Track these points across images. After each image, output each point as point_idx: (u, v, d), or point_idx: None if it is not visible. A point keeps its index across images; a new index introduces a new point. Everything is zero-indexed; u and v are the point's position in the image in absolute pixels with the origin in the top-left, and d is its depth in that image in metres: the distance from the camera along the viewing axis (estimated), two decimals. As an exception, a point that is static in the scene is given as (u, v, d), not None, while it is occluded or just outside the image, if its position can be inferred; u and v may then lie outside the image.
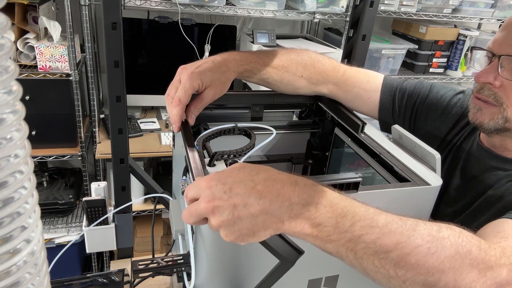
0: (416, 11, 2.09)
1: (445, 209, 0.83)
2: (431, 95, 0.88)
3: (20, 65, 1.65)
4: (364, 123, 0.81)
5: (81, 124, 1.81)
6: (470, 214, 0.78)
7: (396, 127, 0.79)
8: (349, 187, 0.60)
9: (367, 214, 0.49)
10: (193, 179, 0.60)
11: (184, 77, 0.70)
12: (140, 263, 0.66)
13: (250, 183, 0.48)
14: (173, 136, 0.89)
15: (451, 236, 0.49)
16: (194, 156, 0.63)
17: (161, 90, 2.34)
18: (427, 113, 0.88)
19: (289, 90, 0.86)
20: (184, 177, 0.68)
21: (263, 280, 0.56)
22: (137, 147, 1.84)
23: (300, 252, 0.51)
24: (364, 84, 0.90)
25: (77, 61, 1.73)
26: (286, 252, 0.51)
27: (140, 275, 0.66)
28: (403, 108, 0.90)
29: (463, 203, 0.80)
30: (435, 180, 0.67)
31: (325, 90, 0.89)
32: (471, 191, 0.79)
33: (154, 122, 2.07)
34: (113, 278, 0.87)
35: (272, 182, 0.48)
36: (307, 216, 0.47)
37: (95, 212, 0.93)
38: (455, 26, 2.33)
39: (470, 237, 0.50)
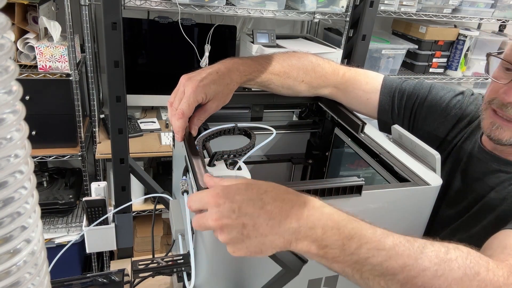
0: (416, 11, 2.09)
1: (446, 210, 0.83)
2: (430, 96, 0.88)
3: (20, 65, 1.65)
4: (364, 123, 0.81)
5: (81, 124, 1.81)
6: (472, 216, 0.78)
7: (396, 127, 0.79)
8: (352, 190, 0.60)
9: (374, 236, 0.49)
10: (195, 179, 0.60)
11: (189, 90, 0.69)
12: (140, 263, 0.66)
13: (259, 203, 0.48)
14: (173, 136, 0.89)
15: (459, 257, 0.49)
16: (198, 164, 0.63)
17: (161, 90, 2.35)
18: (426, 114, 0.88)
19: (289, 94, 0.86)
20: (184, 177, 0.68)
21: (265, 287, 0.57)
22: (137, 147, 1.84)
23: (304, 261, 0.52)
24: (364, 86, 0.90)
25: (77, 61, 1.73)
26: (291, 262, 0.52)
27: (140, 275, 0.66)
28: (402, 109, 0.90)
29: (465, 204, 0.80)
30: (435, 180, 0.67)
31: (325, 92, 0.90)
32: (473, 193, 0.79)
33: (154, 122, 2.07)
34: (113, 278, 0.87)
35: (281, 202, 0.49)
36: (314, 238, 0.48)
37: (95, 212, 0.93)
38: (455, 26, 2.33)
39: (478, 258, 0.50)
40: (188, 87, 0.69)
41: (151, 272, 0.67)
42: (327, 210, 0.50)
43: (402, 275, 0.48)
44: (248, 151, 0.69)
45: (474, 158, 0.81)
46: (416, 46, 2.26)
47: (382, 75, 0.93)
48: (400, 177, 0.69)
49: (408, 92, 0.90)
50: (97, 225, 0.93)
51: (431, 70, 2.36)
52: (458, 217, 0.80)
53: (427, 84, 0.90)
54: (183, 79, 0.71)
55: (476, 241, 0.60)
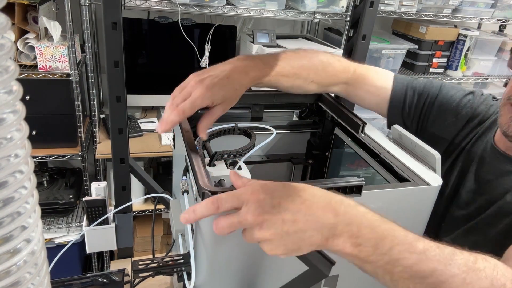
0: (416, 11, 2.09)
1: (456, 211, 0.82)
2: (440, 95, 0.87)
3: (20, 65, 1.65)
4: (364, 123, 0.81)
5: (81, 124, 1.81)
6: (487, 219, 0.77)
7: (396, 127, 0.79)
8: (352, 190, 0.60)
9: (406, 239, 0.50)
10: (195, 179, 0.60)
11: (196, 94, 0.66)
12: (140, 263, 0.66)
13: (298, 199, 0.49)
14: (173, 136, 0.89)
15: (487, 268, 0.50)
16: (198, 164, 0.63)
17: (161, 90, 2.34)
18: (437, 113, 0.87)
19: (298, 92, 0.85)
20: (184, 177, 0.68)
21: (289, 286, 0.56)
22: (137, 147, 1.84)
23: (332, 263, 0.52)
24: (375, 81, 0.90)
25: (77, 61, 1.73)
26: (323, 264, 0.52)
27: (140, 275, 0.66)
28: (413, 107, 0.89)
29: (476, 206, 0.79)
30: (435, 180, 0.67)
31: (335, 90, 0.89)
32: (485, 195, 0.78)
33: (154, 122, 2.07)
34: (113, 278, 0.87)
35: (318, 199, 0.50)
36: (350, 235, 0.49)
37: (95, 212, 0.93)
38: (455, 26, 2.33)
39: (504, 270, 0.51)
40: (196, 90, 0.67)
41: (151, 272, 0.67)
42: (361, 209, 0.51)
43: (431, 279, 0.48)
44: (248, 151, 0.69)
45: (486, 160, 0.80)
46: (416, 46, 2.26)
47: (391, 72, 0.92)
48: (400, 177, 0.69)
49: (419, 90, 0.89)
50: (97, 225, 0.93)
51: (431, 70, 2.36)
52: (470, 218, 0.79)
53: (437, 83, 0.89)
54: (193, 80, 0.69)
55: (493, 245, 0.60)
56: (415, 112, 0.89)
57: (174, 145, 0.90)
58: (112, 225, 0.98)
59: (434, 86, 0.89)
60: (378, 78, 0.90)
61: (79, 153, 1.84)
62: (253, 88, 0.81)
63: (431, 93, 0.88)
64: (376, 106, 0.92)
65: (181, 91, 0.69)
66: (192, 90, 0.68)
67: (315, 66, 0.84)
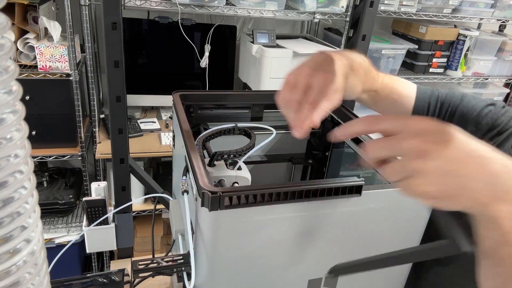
0: (416, 11, 2.09)
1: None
2: (461, 104, 0.86)
3: (20, 65, 1.65)
4: (364, 123, 0.81)
5: (81, 124, 1.81)
6: None
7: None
8: (352, 190, 0.60)
9: None
10: (195, 179, 0.60)
11: (335, 98, 0.58)
12: (140, 263, 0.66)
13: (476, 145, 0.43)
14: (173, 136, 0.89)
15: None
16: (198, 164, 0.63)
17: (161, 90, 2.35)
18: (457, 122, 0.85)
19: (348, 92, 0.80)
20: (184, 177, 0.68)
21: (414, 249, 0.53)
22: (137, 147, 1.85)
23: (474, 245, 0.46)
24: (400, 89, 0.89)
25: (77, 61, 1.73)
26: (462, 241, 0.45)
27: (140, 275, 0.66)
28: (435, 116, 0.88)
29: None
30: (435, 180, 0.67)
31: (365, 96, 0.88)
32: None
33: (154, 122, 2.07)
34: (113, 278, 0.87)
35: (501, 160, 0.43)
36: None
37: (95, 212, 0.93)
38: (455, 26, 2.33)
39: None
40: (335, 94, 0.59)
41: (151, 272, 0.67)
42: None
43: None
44: (248, 151, 0.69)
45: None
46: (416, 46, 2.26)
47: (414, 83, 0.92)
48: (400, 177, 0.69)
49: (441, 100, 0.89)
50: (97, 225, 0.93)
51: (431, 70, 2.36)
52: None
53: (459, 93, 0.89)
54: (338, 76, 0.60)
55: None
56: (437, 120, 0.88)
57: (174, 145, 0.90)
58: (112, 225, 0.98)
59: (455, 96, 0.88)
60: (403, 87, 0.90)
61: (79, 153, 1.84)
62: (253, 88, 0.81)
63: (453, 102, 0.87)
64: (399, 114, 0.91)
65: (315, 77, 0.61)
66: (329, 85, 0.60)
67: (366, 68, 0.80)
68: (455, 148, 0.42)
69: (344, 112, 0.87)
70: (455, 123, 0.86)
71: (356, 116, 0.84)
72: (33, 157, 1.76)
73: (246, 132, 0.75)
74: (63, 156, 1.83)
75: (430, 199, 0.44)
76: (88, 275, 0.86)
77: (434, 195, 0.43)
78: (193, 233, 0.64)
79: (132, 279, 0.75)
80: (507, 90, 2.60)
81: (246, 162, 0.73)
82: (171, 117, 2.14)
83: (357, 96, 0.81)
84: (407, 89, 0.90)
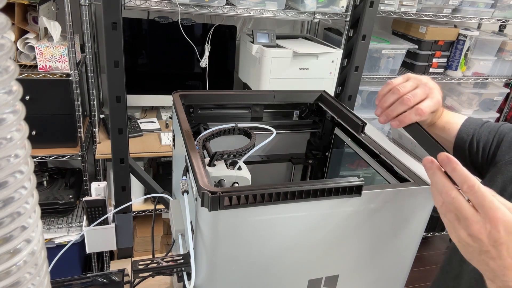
0: (416, 11, 2.09)
1: None
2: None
3: (20, 65, 1.65)
4: (364, 123, 0.81)
5: (81, 124, 1.81)
6: None
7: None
8: (352, 190, 0.60)
9: None
10: (195, 179, 0.60)
11: (433, 100, 0.72)
12: (140, 263, 0.66)
13: None
14: (173, 136, 0.89)
15: None
16: (198, 164, 0.63)
17: (161, 90, 2.35)
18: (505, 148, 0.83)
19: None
20: (184, 177, 0.68)
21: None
22: (137, 147, 1.85)
23: None
24: (451, 119, 0.89)
25: (77, 61, 1.73)
26: None
27: (140, 275, 0.66)
28: (480, 143, 0.85)
29: None
30: (435, 180, 0.67)
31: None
32: None
33: (154, 122, 2.07)
34: (113, 278, 0.87)
35: None
36: None
37: (95, 212, 0.93)
38: (455, 26, 2.33)
39: None
40: (434, 99, 0.72)
41: (151, 272, 0.67)
42: None
43: None
44: (248, 151, 0.69)
45: None
46: (416, 46, 2.26)
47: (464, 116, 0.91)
48: (400, 177, 0.69)
49: (490, 129, 0.85)
50: (97, 225, 0.93)
51: (431, 70, 2.36)
52: None
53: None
54: (429, 87, 0.73)
55: None
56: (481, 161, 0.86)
57: (174, 145, 0.90)
58: (112, 225, 0.98)
59: (507, 126, 0.84)
60: (454, 116, 0.89)
61: (79, 153, 1.84)
62: (253, 88, 0.81)
63: (503, 131, 0.83)
64: (442, 139, 0.89)
65: (418, 85, 0.73)
66: (431, 91, 0.73)
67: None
68: (506, 236, 0.48)
69: (345, 112, 0.87)
70: (504, 149, 0.81)
71: (356, 117, 0.84)
72: (33, 157, 1.76)
73: (246, 132, 0.75)
74: (63, 156, 1.83)
75: (459, 243, 0.52)
76: (88, 275, 0.86)
77: (468, 256, 0.52)
78: (193, 233, 0.64)
79: (132, 279, 0.75)
80: (507, 90, 2.60)
81: (246, 162, 0.73)
82: (171, 117, 2.14)
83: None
84: (457, 118, 0.88)
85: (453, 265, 0.85)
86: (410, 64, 2.37)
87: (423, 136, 0.69)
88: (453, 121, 0.87)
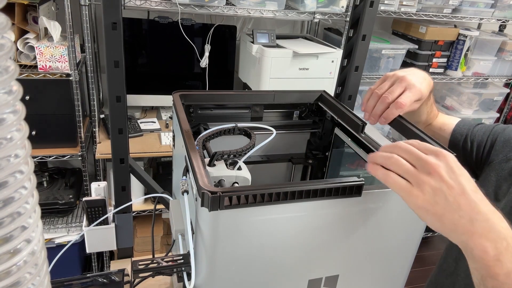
0: (416, 11, 2.09)
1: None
2: (505, 132, 0.84)
3: (20, 65, 1.65)
4: (364, 123, 0.81)
5: (81, 124, 1.81)
6: None
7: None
8: (352, 190, 0.60)
9: None
10: (195, 179, 0.60)
11: (414, 94, 0.75)
12: (140, 263, 0.66)
13: (473, 185, 0.51)
14: (173, 136, 0.89)
15: None
16: (198, 164, 0.63)
17: (161, 90, 2.35)
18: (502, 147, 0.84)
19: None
20: (184, 177, 0.68)
21: None
22: (137, 147, 1.85)
23: None
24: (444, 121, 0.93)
25: (77, 61, 1.73)
26: None
27: (140, 275, 0.66)
28: (474, 140, 0.88)
29: None
30: (435, 180, 0.67)
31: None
32: None
33: (154, 122, 2.07)
34: (113, 278, 0.87)
35: (486, 202, 0.51)
36: (497, 248, 0.48)
37: (95, 212, 0.93)
38: (455, 26, 2.33)
39: None
40: (412, 90, 0.75)
41: (151, 272, 0.67)
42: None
43: None
44: (248, 151, 0.69)
45: None
46: (416, 46, 2.26)
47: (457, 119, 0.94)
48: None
49: (483, 129, 0.87)
50: (97, 225, 0.93)
51: (431, 70, 2.36)
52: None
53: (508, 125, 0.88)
54: (406, 80, 0.76)
55: None
56: (475, 160, 0.87)
57: (174, 145, 0.90)
58: (112, 225, 0.98)
59: (501, 127, 0.86)
60: (449, 118, 0.93)
61: (79, 153, 1.84)
62: (253, 88, 0.81)
63: (496, 132, 0.85)
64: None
65: (392, 82, 0.77)
66: (406, 84, 0.77)
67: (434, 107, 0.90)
68: (457, 182, 0.50)
69: (345, 112, 0.87)
70: (498, 148, 0.83)
71: (356, 116, 0.84)
72: (33, 157, 1.76)
73: (246, 132, 0.75)
74: (63, 156, 1.83)
75: (419, 209, 0.51)
76: (88, 275, 0.86)
77: (423, 206, 0.51)
78: (193, 233, 0.64)
79: (132, 279, 0.75)
80: (507, 90, 2.60)
81: (246, 162, 0.73)
82: (171, 117, 2.14)
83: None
84: (452, 119, 0.92)
85: (448, 262, 0.86)
86: (410, 64, 2.37)
87: (407, 129, 0.75)
88: (448, 122, 0.91)
